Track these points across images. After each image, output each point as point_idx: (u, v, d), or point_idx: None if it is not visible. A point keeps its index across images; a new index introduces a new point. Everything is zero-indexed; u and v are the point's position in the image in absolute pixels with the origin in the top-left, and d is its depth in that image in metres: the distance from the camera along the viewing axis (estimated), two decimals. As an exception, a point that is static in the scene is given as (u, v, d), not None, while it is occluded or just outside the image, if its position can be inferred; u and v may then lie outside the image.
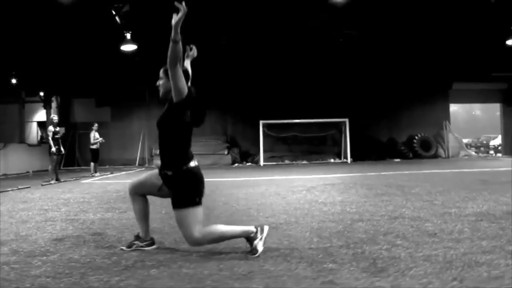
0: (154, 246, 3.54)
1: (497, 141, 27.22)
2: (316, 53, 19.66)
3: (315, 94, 20.97)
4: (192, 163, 3.25)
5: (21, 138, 20.04)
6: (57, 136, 11.82)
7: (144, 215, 3.55)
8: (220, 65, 19.86)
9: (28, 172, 16.36)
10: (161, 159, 3.33)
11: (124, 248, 3.53)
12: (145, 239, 3.54)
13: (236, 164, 20.30)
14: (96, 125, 14.57)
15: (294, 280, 2.58)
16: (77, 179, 12.67)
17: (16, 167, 16.36)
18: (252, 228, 3.27)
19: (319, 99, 20.90)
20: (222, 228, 3.30)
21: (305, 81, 20.96)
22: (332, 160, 20.55)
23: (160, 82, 3.42)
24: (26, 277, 2.81)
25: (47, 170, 18.03)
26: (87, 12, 15.59)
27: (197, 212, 3.20)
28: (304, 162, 20.36)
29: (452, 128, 22.28)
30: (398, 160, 20.01)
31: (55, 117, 12.07)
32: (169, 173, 3.23)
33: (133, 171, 16.96)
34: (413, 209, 5.23)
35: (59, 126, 12.21)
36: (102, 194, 8.15)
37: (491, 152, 24.99)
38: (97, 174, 14.30)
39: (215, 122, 21.41)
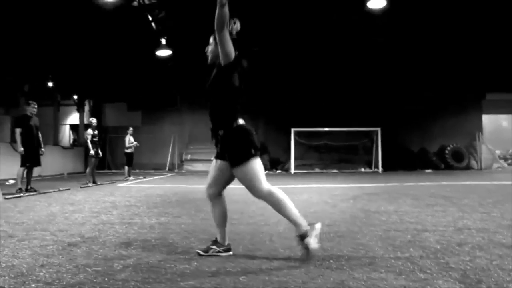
0: (230, 253, 3.50)
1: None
2: (348, 62, 19.57)
3: (346, 102, 20.84)
4: (241, 121, 3.36)
5: (55, 140, 20.38)
6: (95, 139, 11.97)
7: (223, 220, 3.54)
8: (252, 71, 19.86)
9: (62, 174, 16.61)
10: (213, 122, 3.44)
11: (201, 252, 3.50)
12: (223, 244, 3.52)
13: (266, 171, 20.19)
14: (131, 129, 14.73)
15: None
16: (113, 183, 12.79)
17: (50, 169, 16.62)
18: (305, 225, 3.25)
19: (350, 108, 20.76)
20: (287, 199, 3.30)
21: (337, 89, 20.84)
22: (362, 170, 20.35)
23: (209, 48, 3.53)
24: (115, 281, 2.79)
25: (81, 172, 18.42)
26: (120, 18, 15.84)
27: (257, 163, 3.26)
28: (335, 170, 20.20)
29: (484, 140, 21.83)
30: (430, 170, 19.66)
31: (94, 121, 12.23)
32: (221, 132, 3.35)
33: (166, 175, 17.08)
34: (474, 221, 5.09)
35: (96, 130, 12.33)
36: (145, 198, 8.18)
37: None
38: (131, 178, 14.43)
39: (245, 128, 21.44)
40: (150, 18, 15.80)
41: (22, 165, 9.33)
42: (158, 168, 20.92)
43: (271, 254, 3.41)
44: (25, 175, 9.39)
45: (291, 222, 3.28)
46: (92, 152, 11.77)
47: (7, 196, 8.33)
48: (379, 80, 20.41)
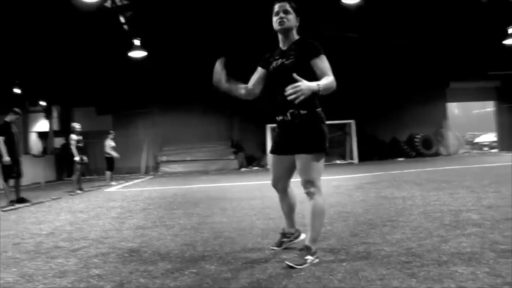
0: (302, 237, 3.55)
1: (484, 138, 27.89)
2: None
3: (320, 96, 21.09)
4: (320, 109, 3.19)
5: (25, 149, 19.59)
6: (80, 145, 11.60)
7: (290, 211, 3.57)
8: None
9: (38, 183, 16.00)
10: (289, 104, 3.00)
11: (276, 248, 3.54)
12: (291, 232, 3.58)
13: (244, 169, 20.27)
14: (112, 132, 14.39)
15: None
16: (99, 188, 12.48)
17: (24, 179, 15.93)
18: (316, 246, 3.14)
19: (324, 101, 20.99)
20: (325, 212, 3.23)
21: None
22: (338, 162, 20.71)
23: (290, 17, 3.22)
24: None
25: (55, 181, 17.83)
26: (89, 19, 15.45)
27: (323, 161, 3.15)
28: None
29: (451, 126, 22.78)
30: (402, 159, 20.32)
31: (77, 126, 11.82)
32: (303, 112, 3.10)
33: (145, 178, 16.81)
34: (495, 199, 5.38)
35: (81, 135, 11.91)
36: (151, 201, 8.07)
37: (485, 148, 25.56)
38: (113, 182, 14.11)
39: (221, 127, 21.43)
40: (122, 20, 15.43)
41: (7, 177, 8.91)
42: (132, 171, 20.52)
43: (354, 252, 3.48)
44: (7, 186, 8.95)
45: (311, 233, 3.10)
46: (77, 158, 11.40)
47: (4, 209, 8.01)
48: (351, 74, 20.82)
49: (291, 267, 2.92)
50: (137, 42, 16.14)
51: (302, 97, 2.76)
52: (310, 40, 3.17)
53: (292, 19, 3.22)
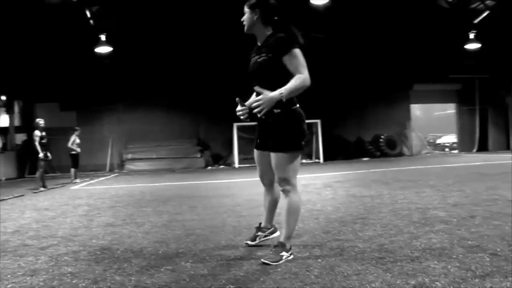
0: (276, 233, 3.56)
1: (444, 139, 28.80)
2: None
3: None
4: (298, 105, 3.14)
5: (-16, 145, 18.91)
6: (44, 141, 11.28)
7: (272, 207, 3.53)
8: (191, 68, 19.73)
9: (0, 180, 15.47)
10: None
11: (249, 243, 3.57)
12: (267, 227, 3.60)
13: (210, 167, 20.20)
14: (78, 129, 14.06)
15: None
16: (63, 186, 12.18)
17: (-19, 176, 15.41)
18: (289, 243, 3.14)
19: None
20: (300, 210, 3.24)
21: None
22: (303, 161, 20.91)
23: (245, 17, 3.22)
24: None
25: (16, 178, 17.27)
26: (54, 12, 15.08)
27: (299, 159, 3.13)
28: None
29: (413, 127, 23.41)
30: (367, 159, 20.72)
31: (41, 121, 11.48)
32: (276, 110, 3.01)
33: (110, 176, 16.50)
34: (459, 197, 5.57)
35: (45, 132, 11.55)
36: (119, 199, 7.94)
37: (446, 149, 26.38)
38: (78, 180, 13.80)
39: (187, 124, 21.25)
40: (89, 14, 15.11)
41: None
42: (97, 169, 20.09)
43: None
44: None
45: (285, 230, 3.09)
46: (41, 155, 11.07)
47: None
48: (318, 74, 21.05)
49: (267, 264, 2.92)
50: (103, 37, 15.84)
51: (265, 110, 2.89)
52: (280, 35, 3.08)
53: (248, 18, 3.19)
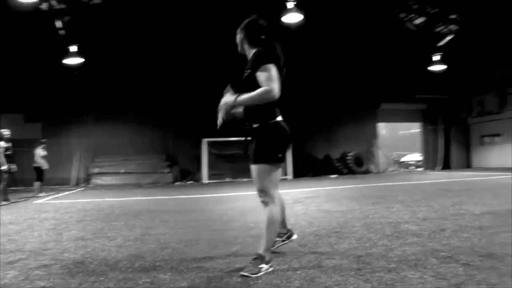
0: (294, 237, 3.72)
1: (409, 157, 29.50)
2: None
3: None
4: (279, 118, 3.26)
5: None
6: (8, 153, 10.93)
7: (282, 213, 3.58)
8: (162, 82, 19.66)
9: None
10: (249, 116, 3.25)
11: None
12: (282, 232, 3.67)
13: (178, 183, 20.01)
14: (45, 141, 13.72)
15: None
16: (26, 200, 11.80)
17: None
18: (270, 254, 3.18)
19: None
20: (279, 222, 3.31)
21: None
22: (273, 177, 20.98)
23: (237, 38, 3.44)
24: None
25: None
26: (22, 22, 14.83)
27: (278, 172, 3.20)
28: (246, 179, 20.59)
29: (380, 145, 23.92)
30: (335, 176, 20.97)
31: (6, 132, 11.15)
32: (255, 125, 3.21)
33: (75, 190, 16.09)
34: (428, 212, 5.73)
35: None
36: (87, 213, 7.75)
37: (411, 167, 27.01)
38: (43, 194, 13.41)
39: (156, 139, 21.03)
40: (59, 24, 14.89)
41: None
42: (62, 183, 19.55)
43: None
44: None
45: (265, 242, 3.12)
46: (5, 167, 10.71)
47: None
48: (287, 91, 21.32)
49: (246, 276, 2.93)
50: (73, 48, 15.61)
51: (223, 111, 3.17)
52: (257, 52, 3.23)
53: (238, 39, 3.41)
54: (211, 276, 3.00)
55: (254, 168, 3.17)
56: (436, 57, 19.73)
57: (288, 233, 3.72)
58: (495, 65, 20.69)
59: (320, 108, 22.23)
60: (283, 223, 3.67)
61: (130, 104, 20.01)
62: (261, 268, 3.02)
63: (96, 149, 20.63)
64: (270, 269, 3.07)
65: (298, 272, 2.99)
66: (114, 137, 20.67)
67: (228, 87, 3.27)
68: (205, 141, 19.97)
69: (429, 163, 24.50)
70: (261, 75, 3.07)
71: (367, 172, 22.42)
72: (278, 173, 3.22)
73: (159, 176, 20.12)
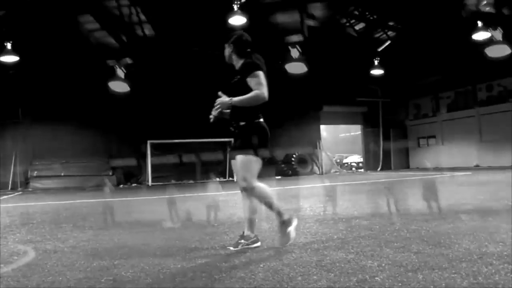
0: (258, 244, 3.75)
1: (350, 159, 30.52)
2: (205, 74, 20.10)
3: (201, 115, 21.23)
4: (261, 119, 3.79)
5: None
6: None
7: (250, 215, 3.81)
8: (104, 82, 19.12)
9: None
10: (235, 116, 3.76)
11: (231, 248, 3.69)
12: (250, 236, 3.75)
13: (122, 185, 19.56)
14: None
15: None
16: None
17: None
18: (288, 214, 3.75)
19: (204, 120, 21.19)
20: (271, 192, 3.72)
21: (193, 102, 21.13)
22: (217, 179, 20.94)
23: (225, 52, 3.94)
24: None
25: None
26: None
27: (257, 163, 3.64)
28: (191, 181, 20.48)
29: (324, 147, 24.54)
30: (279, 177, 21.26)
31: None
32: (242, 123, 3.70)
33: (13, 194, 15.31)
34: (376, 208, 5.99)
35: None
36: (29, 216, 7.43)
37: (353, 168, 27.91)
38: (-23, 199, 12.67)
39: (98, 141, 20.39)
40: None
41: None
42: (-2, 187, 18.56)
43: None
44: None
45: (274, 211, 3.69)
46: None
47: None
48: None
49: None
50: (8, 45, 14.87)
51: (220, 109, 3.70)
52: (246, 62, 3.74)
53: (226, 52, 3.91)
54: (174, 272, 3.01)
55: (238, 158, 3.62)
56: (375, 61, 20.52)
57: (254, 239, 3.78)
58: (429, 70, 21.86)
59: (263, 110, 22.45)
60: (251, 226, 3.81)
61: (71, 105, 19.29)
62: (291, 231, 3.66)
63: (35, 152, 19.73)
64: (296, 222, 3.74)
65: (261, 265, 3.06)
66: (54, 140, 19.81)
67: (220, 93, 3.71)
68: (149, 142, 19.65)
69: (369, 164, 25.41)
70: (251, 81, 3.60)
71: (311, 173, 22.91)
72: (259, 164, 3.66)
73: (102, 179, 19.52)
